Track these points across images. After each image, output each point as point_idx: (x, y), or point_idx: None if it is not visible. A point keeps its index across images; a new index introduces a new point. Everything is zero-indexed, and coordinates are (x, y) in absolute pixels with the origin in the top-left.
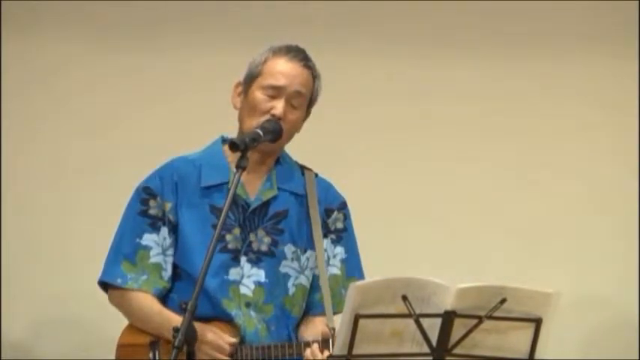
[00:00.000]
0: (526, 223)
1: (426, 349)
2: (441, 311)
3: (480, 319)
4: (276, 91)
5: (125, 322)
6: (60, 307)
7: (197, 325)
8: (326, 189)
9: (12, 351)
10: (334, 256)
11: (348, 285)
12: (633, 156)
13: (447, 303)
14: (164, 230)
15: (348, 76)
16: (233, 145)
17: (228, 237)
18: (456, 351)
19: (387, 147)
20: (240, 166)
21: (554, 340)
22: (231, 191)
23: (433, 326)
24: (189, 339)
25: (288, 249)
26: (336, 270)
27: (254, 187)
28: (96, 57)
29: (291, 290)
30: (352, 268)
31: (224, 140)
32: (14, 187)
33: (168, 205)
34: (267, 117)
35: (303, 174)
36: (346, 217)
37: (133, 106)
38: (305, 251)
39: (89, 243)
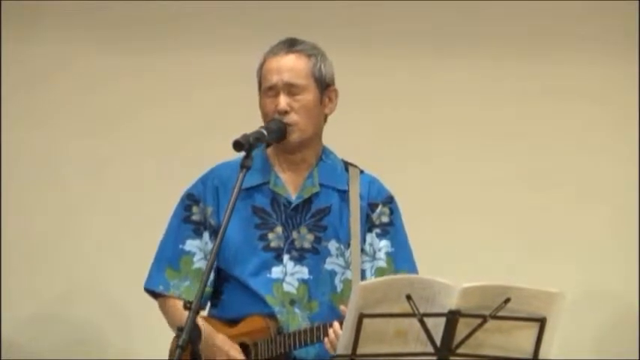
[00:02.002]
0: (528, 223)
1: (430, 349)
2: (445, 311)
3: (485, 319)
4: (273, 91)
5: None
6: (59, 306)
7: (221, 338)
8: (369, 183)
9: (12, 351)
10: (379, 250)
11: None
12: (633, 155)
13: (452, 302)
14: (206, 235)
15: (347, 77)
16: (237, 145)
17: (271, 235)
18: (460, 350)
19: (388, 147)
20: (244, 166)
21: (555, 339)
22: (236, 189)
23: (437, 326)
24: (193, 338)
25: (332, 245)
26: (382, 263)
27: (295, 186)
28: (96, 57)
29: (339, 287)
30: (401, 261)
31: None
32: (14, 187)
33: (210, 210)
34: (276, 116)
35: (347, 170)
36: (393, 212)
37: (133, 106)
38: (349, 246)
39: (89, 243)
